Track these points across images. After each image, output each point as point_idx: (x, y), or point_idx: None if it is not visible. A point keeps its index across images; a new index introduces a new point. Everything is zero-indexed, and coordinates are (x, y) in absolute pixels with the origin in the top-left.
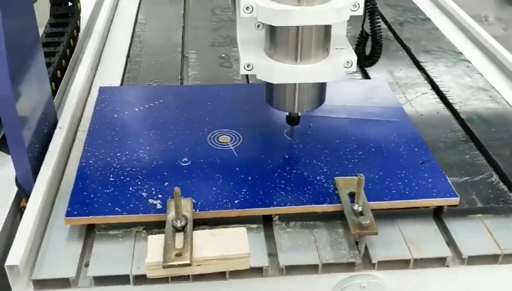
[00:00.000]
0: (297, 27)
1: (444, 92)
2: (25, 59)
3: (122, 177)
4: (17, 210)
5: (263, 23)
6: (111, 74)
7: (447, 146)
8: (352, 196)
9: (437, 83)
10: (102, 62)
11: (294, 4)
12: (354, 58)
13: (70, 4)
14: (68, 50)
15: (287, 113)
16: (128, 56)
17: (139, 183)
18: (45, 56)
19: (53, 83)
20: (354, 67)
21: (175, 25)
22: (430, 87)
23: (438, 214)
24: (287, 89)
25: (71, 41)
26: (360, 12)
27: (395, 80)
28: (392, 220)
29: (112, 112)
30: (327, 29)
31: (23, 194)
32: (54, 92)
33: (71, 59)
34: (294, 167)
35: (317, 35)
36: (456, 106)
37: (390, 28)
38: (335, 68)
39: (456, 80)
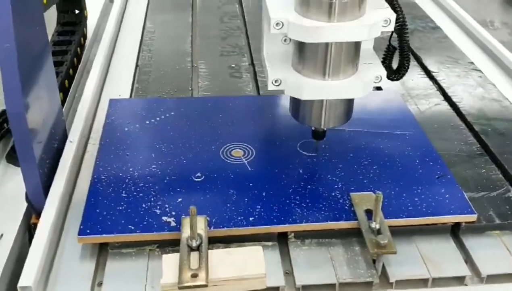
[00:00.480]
0: (327, 43)
1: (457, 103)
2: (36, 70)
3: (135, 193)
4: (27, 226)
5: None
6: (120, 85)
7: (462, 159)
8: (368, 212)
9: (450, 94)
10: (111, 72)
11: (325, 20)
12: (383, 73)
13: (77, 11)
14: (75, 59)
15: (312, 127)
16: (136, 65)
17: (152, 199)
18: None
19: (61, 93)
20: (384, 82)
21: (183, 33)
22: (442, 98)
23: (455, 231)
24: (314, 105)
25: (78, 49)
26: (391, 28)
27: (407, 91)
28: (408, 237)
29: (123, 125)
30: (357, 45)
31: (33, 210)
32: (62, 103)
33: (78, 68)
34: (309, 182)
35: (347, 51)
36: (470, 118)
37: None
38: (364, 84)
39: (469, 91)
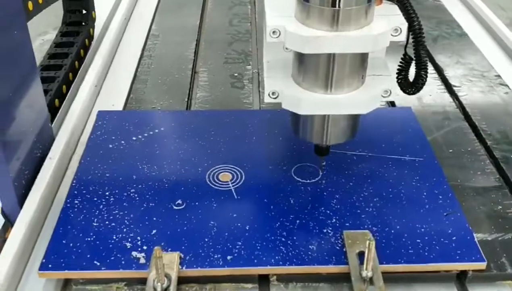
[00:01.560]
0: (329, 53)
1: (478, 124)
2: (18, 83)
3: (107, 222)
4: (4, 241)
5: None
6: (116, 93)
7: (477, 192)
8: (362, 255)
9: (470, 113)
10: (109, 78)
11: (327, 30)
12: (393, 86)
13: (84, 11)
14: (77, 63)
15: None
16: (135, 73)
17: (125, 230)
18: (51, 69)
19: (57, 100)
20: (393, 97)
21: (189, 37)
22: (462, 117)
23: (461, 279)
24: (316, 119)
25: (82, 52)
26: (402, 37)
27: (423, 108)
28: (407, 285)
29: (107, 142)
30: (363, 55)
31: (10, 224)
32: (57, 109)
33: (79, 73)
34: (299, 215)
35: (352, 62)
36: (490, 142)
37: None
38: (371, 99)
39: (492, 110)
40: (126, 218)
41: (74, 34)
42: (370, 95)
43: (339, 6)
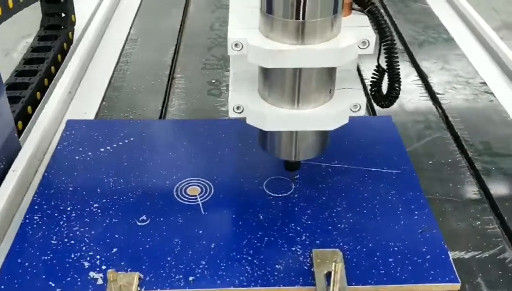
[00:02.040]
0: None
1: (460, 134)
2: None
3: (66, 240)
4: None
5: None
6: (90, 100)
7: (455, 206)
8: (331, 275)
9: (453, 123)
10: (83, 84)
11: (291, 43)
12: (362, 100)
13: (63, 15)
14: (53, 68)
15: None
16: (110, 79)
17: (84, 248)
18: (26, 75)
19: (29, 107)
20: (363, 111)
21: (168, 41)
22: (445, 126)
23: None
24: (284, 134)
25: (59, 56)
26: (370, 50)
27: (404, 117)
28: None
29: (74, 153)
30: (331, 69)
31: None
32: (29, 117)
33: (54, 78)
34: (268, 232)
35: (319, 77)
36: (472, 153)
37: (406, 49)
38: (338, 114)
39: (476, 119)
40: (86, 235)
41: (52, 38)
42: (338, 110)
43: (303, 18)
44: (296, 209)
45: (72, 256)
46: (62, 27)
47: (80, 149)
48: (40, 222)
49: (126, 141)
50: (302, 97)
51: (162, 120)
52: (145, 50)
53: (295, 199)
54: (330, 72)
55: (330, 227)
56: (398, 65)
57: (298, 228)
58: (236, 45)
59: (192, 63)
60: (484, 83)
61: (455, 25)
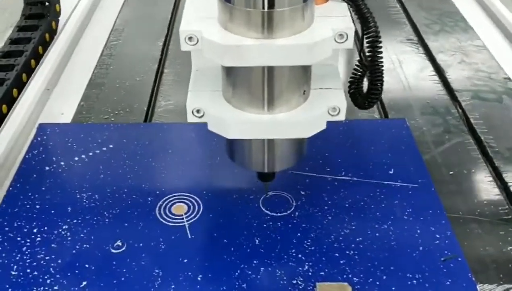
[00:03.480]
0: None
1: (484, 140)
2: None
3: (28, 270)
4: None
5: None
6: (68, 99)
7: (482, 228)
8: None
9: (475, 125)
10: (62, 80)
11: (255, 36)
12: (342, 103)
13: (47, 3)
14: (33, 61)
15: None
16: (91, 76)
17: (49, 281)
18: (1, 70)
19: (4, 106)
20: (343, 115)
21: (158, 32)
22: (466, 130)
23: None
24: (253, 143)
25: (40, 48)
26: (349, 44)
27: (419, 119)
28: None
29: (44, 163)
30: (304, 66)
31: None
32: (4, 118)
33: (34, 74)
34: (264, 261)
35: (291, 75)
36: (499, 162)
37: (420, 40)
38: (315, 119)
39: (501, 121)
40: (52, 264)
41: (33, 29)
42: (312, 115)
43: (269, 7)
44: (297, 231)
45: None
46: (45, 15)
47: (52, 157)
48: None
49: (104, 149)
50: (270, 100)
51: (146, 124)
52: (131, 42)
53: (296, 218)
54: (303, 70)
55: (336, 254)
56: (382, 61)
57: (300, 256)
58: (190, 38)
59: (183, 56)
60: (509, 78)
61: (474, 12)
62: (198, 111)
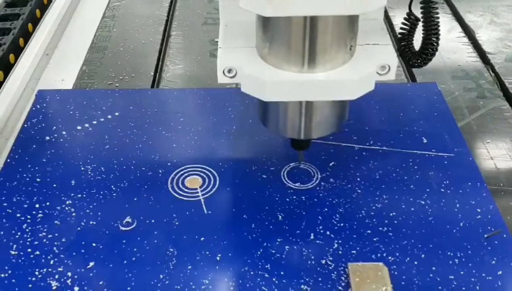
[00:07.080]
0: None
1: None
2: None
3: (29, 250)
4: None
5: None
6: (68, 64)
7: None
8: None
9: (510, 89)
10: (62, 44)
11: None
12: (393, 60)
13: None
14: (31, 25)
15: None
16: (93, 38)
17: (52, 261)
18: None
19: (1, 72)
20: (393, 74)
21: None
22: (501, 94)
23: None
24: (290, 107)
25: (38, 11)
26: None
27: (450, 83)
28: None
29: (44, 133)
30: (351, 17)
31: None
32: (0, 84)
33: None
34: (289, 239)
35: (335, 28)
36: None
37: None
38: (361, 79)
39: None
40: (55, 243)
41: (21, 4)
42: (361, 72)
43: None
44: (324, 205)
45: (37, 273)
46: None
47: (53, 126)
48: None
49: (109, 117)
50: (312, 56)
51: (155, 90)
52: (135, 1)
53: (322, 191)
54: (350, 22)
55: (369, 231)
56: (437, 12)
57: (328, 233)
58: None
59: (192, 17)
60: None
61: None
62: (230, 71)
